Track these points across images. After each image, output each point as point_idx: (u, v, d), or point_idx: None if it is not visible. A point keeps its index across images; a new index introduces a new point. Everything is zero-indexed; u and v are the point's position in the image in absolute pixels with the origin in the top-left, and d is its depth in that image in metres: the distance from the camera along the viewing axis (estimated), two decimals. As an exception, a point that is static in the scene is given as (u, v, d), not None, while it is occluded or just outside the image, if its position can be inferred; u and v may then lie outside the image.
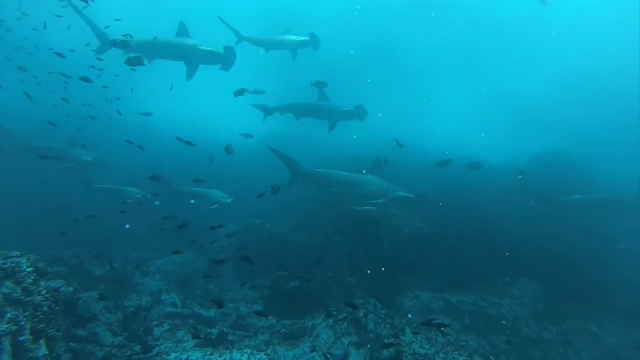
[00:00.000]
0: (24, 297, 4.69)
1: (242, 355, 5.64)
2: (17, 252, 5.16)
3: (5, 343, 4.28)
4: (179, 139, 6.99)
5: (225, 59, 8.91)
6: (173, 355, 5.65)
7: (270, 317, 7.59)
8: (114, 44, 8.93)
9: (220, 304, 5.22)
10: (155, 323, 6.65)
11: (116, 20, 9.71)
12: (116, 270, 8.53)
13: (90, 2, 8.55)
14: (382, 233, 10.24)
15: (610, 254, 8.55)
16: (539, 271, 8.39)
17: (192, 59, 8.93)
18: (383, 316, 7.15)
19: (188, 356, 5.59)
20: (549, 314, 7.67)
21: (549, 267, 8.31)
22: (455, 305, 8.31)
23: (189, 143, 6.57)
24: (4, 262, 4.77)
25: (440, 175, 10.68)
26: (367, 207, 9.29)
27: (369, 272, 9.10)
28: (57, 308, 5.13)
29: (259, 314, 6.26)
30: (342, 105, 10.38)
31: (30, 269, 4.96)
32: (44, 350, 4.77)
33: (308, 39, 11.33)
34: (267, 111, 11.02)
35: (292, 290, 8.04)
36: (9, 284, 4.62)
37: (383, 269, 9.09)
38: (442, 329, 5.79)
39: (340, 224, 10.46)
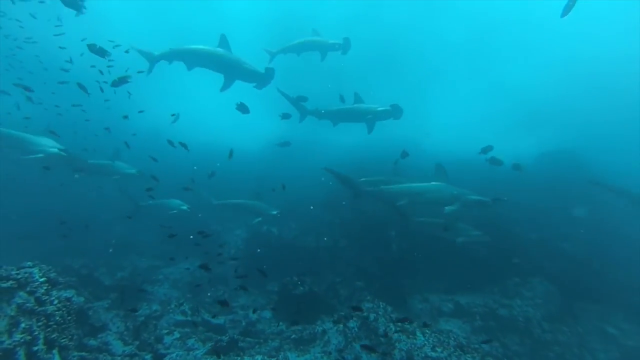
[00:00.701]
0: (37, 307, 4.77)
1: (253, 362, 5.68)
2: (29, 262, 5.24)
3: (20, 353, 4.35)
4: (170, 142, 7.19)
5: (263, 79, 9.03)
6: (184, 363, 5.70)
7: (280, 323, 7.63)
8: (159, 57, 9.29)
9: (224, 303, 5.28)
10: (165, 331, 6.72)
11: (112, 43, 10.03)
12: (125, 278, 8.62)
13: (82, 10, 8.85)
14: (390, 235, 10.25)
15: (622, 251, 8.47)
16: (549, 271, 8.35)
17: (233, 74, 9.04)
18: (393, 319, 7.15)
19: (199, 363, 5.65)
20: (562, 314, 7.62)
21: (560, 266, 8.27)
22: (465, 307, 8.29)
23: (183, 145, 6.71)
24: (17, 272, 4.85)
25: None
26: (428, 219, 9.19)
27: (377, 274, 9.11)
28: (69, 317, 5.20)
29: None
30: (378, 106, 10.36)
31: (43, 279, 5.05)
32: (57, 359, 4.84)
33: (340, 42, 11.71)
34: (304, 113, 10.98)
35: (301, 295, 8.05)
36: (22, 293, 4.71)
37: (391, 272, 9.11)
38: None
39: (347, 227, 10.49)
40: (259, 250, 10.04)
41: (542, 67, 32.14)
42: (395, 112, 10.10)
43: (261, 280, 8.95)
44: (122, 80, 7.03)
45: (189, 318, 7.31)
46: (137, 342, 6.67)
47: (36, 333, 4.57)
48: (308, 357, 6.43)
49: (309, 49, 12.39)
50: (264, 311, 8.13)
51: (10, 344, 4.27)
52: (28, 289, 4.80)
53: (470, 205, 8.70)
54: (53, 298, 5.05)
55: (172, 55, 9.14)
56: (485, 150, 8.47)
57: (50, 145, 10.05)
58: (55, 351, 4.88)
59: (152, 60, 9.42)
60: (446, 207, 8.63)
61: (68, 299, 5.38)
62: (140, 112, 10.44)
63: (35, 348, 4.52)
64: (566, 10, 7.18)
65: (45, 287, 4.99)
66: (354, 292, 8.50)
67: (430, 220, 9.16)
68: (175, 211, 10.29)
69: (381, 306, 7.50)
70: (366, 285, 8.70)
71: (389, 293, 8.39)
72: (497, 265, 9.00)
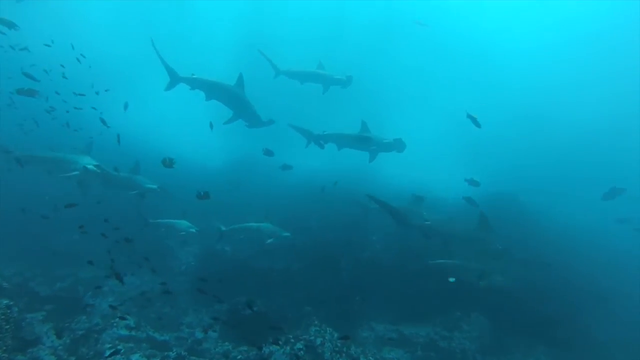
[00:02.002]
0: (-24, 312, 4.71)
1: (199, 380, 5.82)
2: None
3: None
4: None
5: (261, 124, 10.11)
6: (126, 379, 5.74)
7: (226, 343, 7.78)
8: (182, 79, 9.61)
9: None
10: (107, 345, 6.66)
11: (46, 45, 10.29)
12: (65, 289, 8.39)
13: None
14: (341, 262, 10.76)
15: (548, 287, 9.51)
16: (486, 305, 9.15)
17: (241, 114, 9.95)
18: (339, 345, 7.57)
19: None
20: (493, 347, 8.41)
21: (496, 301, 9.10)
22: (409, 337, 8.86)
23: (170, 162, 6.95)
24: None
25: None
26: (460, 263, 9.35)
27: (326, 300, 9.52)
28: (7, 327, 5.13)
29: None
30: (383, 138, 11.03)
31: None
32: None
33: (344, 78, 12.78)
34: (310, 137, 11.53)
35: (249, 316, 8.27)
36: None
37: (340, 299, 9.57)
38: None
39: (301, 251, 10.88)
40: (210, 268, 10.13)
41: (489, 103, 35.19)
42: (398, 145, 10.81)
43: (210, 299, 9.08)
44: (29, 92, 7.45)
45: (133, 333, 7.28)
46: (73, 358, 6.57)
47: (-27, 339, 4.51)
48: (252, 379, 6.64)
49: (313, 80, 13.30)
50: (210, 330, 8.22)
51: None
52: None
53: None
54: (-6, 304, 4.99)
55: (192, 82, 9.62)
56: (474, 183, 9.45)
57: (85, 162, 10.07)
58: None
59: (174, 78, 9.65)
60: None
61: (9, 307, 5.31)
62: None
63: (-30, 355, 4.47)
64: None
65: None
66: (303, 316, 8.81)
67: (463, 264, 9.24)
68: (184, 233, 10.20)
69: (328, 331, 7.90)
70: (315, 310, 9.04)
71: (336, 319, 8.81)
72: (443, 299, 9.70)
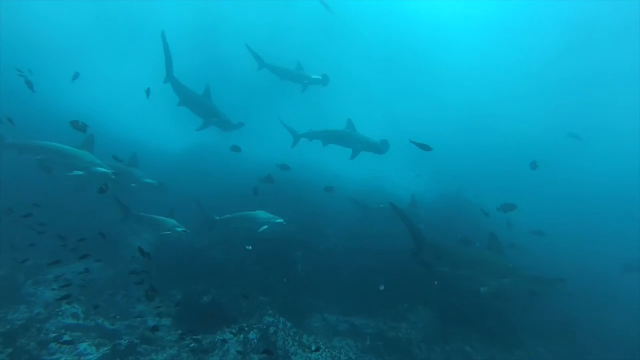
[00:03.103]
0: None
1: (152, 367, 5.97)
2: None
3: None
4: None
5: (232, 128, 11.04)
6: (75, 367, 5.76)
7: (180, 331, 7.91)
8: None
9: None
10: (52, 335, 6.57)
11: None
12: (2, 278, 8.08)
13: None
14: (296, 255, 11.16)
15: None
16: (432, 298, 9.97)
17: (210, 121, 10.86)
18: (292, 334, 7.97)
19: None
20: (436, 336, 9.19)
21: (441, 294, 9.93)
22: (359, 328, 9.44)
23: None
24: None
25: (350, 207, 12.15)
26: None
27: (281, 291, 9.90)
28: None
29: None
30: (368, 137, 11.67)
31: None
32: None
33: (320, 77, 13.88)
34: (296, 137, 12.28)
35: (204, 304, 8.46)
36: None
37: (294, 290, 9.99)
38: None
39: (257, 243, 11.14)
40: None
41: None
42: (382, 146, 11.40)
43: (164, 287, 9.13)
44: None
45: (81, 322, 7.22)
46: (9, 350, 6.37)
47: None
48: (205, 366, 6.86)
49: (292, 79, 14.31)
50: (163, 318, 8.31)
51: None
52: None
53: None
54: None
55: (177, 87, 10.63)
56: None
57: (96, 163, 9.74)
58: None
59: (170, 75, 10.49)
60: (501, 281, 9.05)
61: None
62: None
63: None
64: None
65: None
66: (257, 306, 9.12)
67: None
68: (168, 232, 9.72)
69: (281, 321, 8.27)
70: (269, 301, 9.38)
71: (290, 310, 9.19)
72: (392, 292, 10.39)
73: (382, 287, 9.40)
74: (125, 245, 11.02)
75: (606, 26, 27.09)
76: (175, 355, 7.02)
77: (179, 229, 9.88)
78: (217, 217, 10.69)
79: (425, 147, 7.17)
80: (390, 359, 8.68)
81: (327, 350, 7.94)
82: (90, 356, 6.27)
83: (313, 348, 7.77)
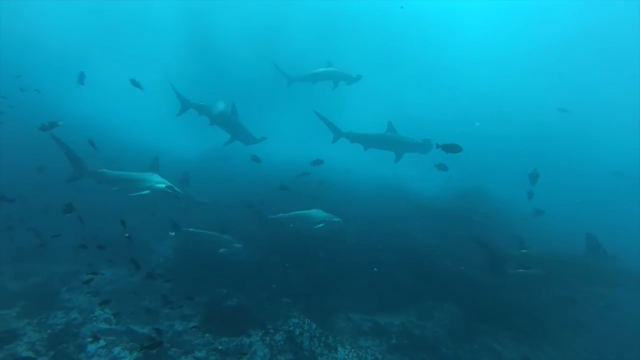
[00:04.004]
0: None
1: (183, 369, 6.27)
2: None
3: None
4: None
5: (255, 142, 11.97)
6: (112, 371, 6.11)
7: (206, 334, 8.23)
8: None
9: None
10: (89, 339, 6.97)
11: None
12: (38, 285, 8.60)
13: None
14: (319, 255, 11.34)
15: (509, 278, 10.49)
16: (458, 295, 10.00)
17: (236, 135, 11.97)
18: (317, 335, 8.16)
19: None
20: (463, 333, 9.23)
21: (466, 291, 9.96)
22: (384, 327, 9.55)
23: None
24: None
25: (373, 203, 12.16)
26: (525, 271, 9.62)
27: (304, 292, 10.10)
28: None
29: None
30: (411, 138, 11.63)
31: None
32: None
33: (354, 75, 14.58)
34: (337, 135, 12.38)
35: (229, 308, 8.75)
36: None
37: (318, 291, 10.18)
38: None
39: (279, 244, 11.37)
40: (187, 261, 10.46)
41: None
42: (425, 146, 11.34)
43: (189, 291, 9.48)
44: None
45: (113, 327, 7.62)
46: (52, 352, 6.84)
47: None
48: (234, 368, 7.13)
49: (325, 78, 14.82)
50: (190, 322, 8.65)
51: None
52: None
53: None
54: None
55: (199, 109, 11.76)
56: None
57: (156, 180, 10.23)
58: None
59: (185, 105, 11.81)
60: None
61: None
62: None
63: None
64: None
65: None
66: (281, 308, 9.35)
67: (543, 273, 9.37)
68: (321, 225, 9.78)
69: (306, 322, 8.46)
70: (293, 302, 9.59)
71: (314, 311, 9.39)
72: (416, 290, 10.47)
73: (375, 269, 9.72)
74: (149, 251, 11.46)
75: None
76: (204, 358, 7.32)
77: (236, 245, 9.94)
78: (272, 216, 10.71)
79: (454, 149, 6.79)
80: (417, 358, 8.77)
81: (353, 350, 8.09)
82: (124, 359, 6.63)
83: (339, 349, 7.95)
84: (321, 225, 10.30)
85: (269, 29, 33.50)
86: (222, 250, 9.87)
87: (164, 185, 10.02)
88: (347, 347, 8.11)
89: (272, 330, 8.12)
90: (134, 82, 9.89)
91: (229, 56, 33.19)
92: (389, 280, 10.60)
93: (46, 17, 31.63)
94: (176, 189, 10.15)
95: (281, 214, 10.92)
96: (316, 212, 10.76)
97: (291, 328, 8.15)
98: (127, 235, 6.62)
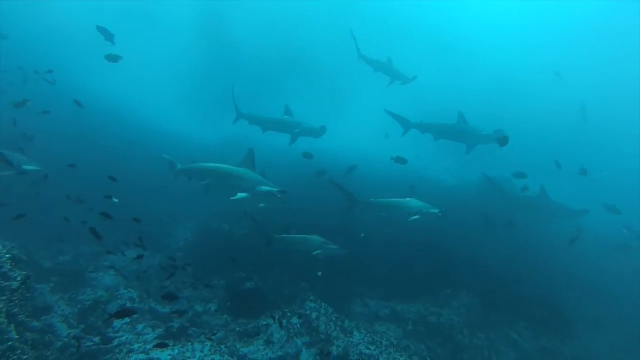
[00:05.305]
0: (2, 282, 5.43)
1: (204, 347, 6.67)
2: (-9, 239, 5.84)
3: (-15, 322, 5.04)
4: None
5: (319, 134, 12.07)
6: (136, 345, 6.56)
7: (225, 316, 8.65)
8: None
9: (173, 297, 6.26)
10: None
11: None
12: (68, 262, 9.17)
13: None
14: (336, 242, 11.55)
15: (532, 270, 10.53)
16: (475, 285, 10.12)
17: (297, 134, 12.18)
18: (334, 319, 8.43)
19: (151, 346, 6.55)
20: (480, 322, 9.39)
21: (484, 281, 10.07)
22: (400, 313, 9.79)
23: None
24: (-14, 247, 5.47)
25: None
26: None
27: (321, 277, 10.37)
28: (28, 294, 5.88)
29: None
30: (481, 129, 11.58)
31: (8, 255, 5.68)
32: (13, 334, 5.52)
33: (411, 77, 15.41)
34: (407, 125, 12.38)
35: (247, 291, 9.11)
36: (-11, 268, 5.36)
37: (335, 276, 10.43)
38: None
39: (297, 230, 11.65)
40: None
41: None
42: (496, 137, 10.61)
43: (208, 274, 9.92)
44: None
45: (137, 305, 8.10)
46: (82, 325, 7.36)
47: (0, 306, 5.25)
48: (252, 348, 7.48)
49: (384, 71, 15.68)
50: (209, 304, 9.07)
51: (-23, 314, 4.95)
52: (-5, 263, 5.46)
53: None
54: (16, 274, 5.71)
55: (250, 119, 12.36)
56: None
57: (260, 181, 9.43)
58: (12, 327, 5.55)
59: (238, 115, 12.42)
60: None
61: (28, 277, 6.04)
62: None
63: (-1, 320, 5.21)
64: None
65: (10, 263, 5.63)
66: (299, 292, 9.68)
67: None
68: (319, 251, 9.27)
69: (323, 307, 8.74)
70: (310, 287, 9.90)
71: (331, 295, 9.67)
72: (433, 279, 10.63)
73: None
74: (169, 235, 11.94)
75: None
76: (223, 338, 7.70)
77: (331, 247, 9.41)
78: (372, 199, 10.36)
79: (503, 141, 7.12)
80: (432, 344, 8.99)
81: (368, 334, 8.35)
82: (147, 336, 7.10)
83: (354, 333, 8.22)
84: (416, 217, 9.88)
85: (285, 15, 33.47)
86: (317, 252, 9.37)
87: (272, 189, 9.30)
88: (363, 331, 8.32)
89: (289, 314, 8.44)
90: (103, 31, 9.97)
91: (244, 45, 33.30)
92: (406, 268, 10.77)
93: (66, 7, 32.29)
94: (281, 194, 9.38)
95: (372, 199, 10.51)
96: (410, 202, 10.35)
97: (308, 312, 8.42)
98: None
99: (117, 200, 7.58)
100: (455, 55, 37.11)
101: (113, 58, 9.48)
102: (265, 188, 9.29)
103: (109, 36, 10.78)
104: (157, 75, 34.16)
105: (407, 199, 10.40)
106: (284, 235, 10.01)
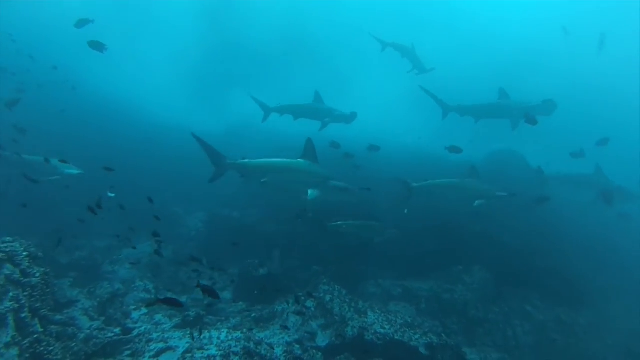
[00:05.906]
0: (22, 279, 5.65)
1: (221, 334, 6.87)
2: (9, 238, 6.05)
3: (9, 318, 5.26)
4: None
5: (349, 119, 11.86)
6: (155, 335, 6.80)
7: (240, 303, 8.86)
8: None
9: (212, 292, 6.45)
10: (132, 307, 7.71)
11: None
12: (84, 258, 9.45)
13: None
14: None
15: (545, 243, 10.52)
16: (488, 259, 10.16)
17: (328, 120, 11.65)
18: (347, 301, 8.58)
19: (170, 336, 6.78)
20: (494, 297, 9.49)
21: (497, 256, 10.10)
22: (413, 292, 9.92)
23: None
24: (4, 245, 5.67)
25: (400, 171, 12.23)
26: None
27: (333, 260, 10.51)
28: (48, 290, 6.10)
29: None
30: (528, 101, 10.92)
31: (26, 253, 5.90)
32: (38, 328, 5.76)
33: (429, 69, 15.52)
34: (446, 110, 12.08)
35: (260, 277, 9.31)
36: (9, 265, 5.56)
37: (347, 258, 10.55)
38: None
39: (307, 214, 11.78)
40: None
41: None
42: (546, 107, 10.50)
43: (221, 262, 10.10)
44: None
45: (153, 296, 8.34)
46: (103, 318, 7.61)
47: (23, 302, 5.47)
48: (268, 333, 7.67)
49: (407, 56, 15.74)
50: (224, 292, 9.29)
51: (1, 310, 5.18)
52: (14, 261, 5.66)
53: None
54: (35, 271, 5.93)
55: (281, 110, 11.88)
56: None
57: (327, 176, 9.03)
58: (36, 320, 5.80)
59: (267, 111, 11.93)
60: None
61: (47, 273, 6.26)
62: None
63: (22, 315, 5.44)
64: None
65: (28, 261, 5.85)
66: (312, 276, 9.84)
67: None
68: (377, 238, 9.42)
69: (336, 289, 8.88)
70: (323, 270, 10.04)
71: (344, 277, 9.80)
72: (445, 255, 10.69)
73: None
74: (181, 225, 12.15)
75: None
76: (239, 324, 7.92)
77: (391, 231, 9.65)
78: (415, 184, 9.91)
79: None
80: (447, 321, 9.13)
81: (383, 314, 8.48)
82: (165, 325, 7.33)
83: (369, 313, 8.37)
84: (481, 202, 9.55)
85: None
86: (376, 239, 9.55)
87: (347, 186, 9.19)
88: (377, 311, 8.45)
89: (303, 297, 8.60)
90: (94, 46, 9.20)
91: (247, 34, 33.10)
92: (417, 246, 10.85)
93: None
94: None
95: (429, 181, 10.10)
96: (469, 183, 10.05)
97: (322, 295, 8.58)
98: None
99: (113, 194, 7.78)
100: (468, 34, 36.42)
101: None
102: (340, 184, 9.41)
103: (100, 48, 10.73)
104: (160, 66, 34.27)
105: (466, 179, 10.12)
106: (339, 222, 9.61)
